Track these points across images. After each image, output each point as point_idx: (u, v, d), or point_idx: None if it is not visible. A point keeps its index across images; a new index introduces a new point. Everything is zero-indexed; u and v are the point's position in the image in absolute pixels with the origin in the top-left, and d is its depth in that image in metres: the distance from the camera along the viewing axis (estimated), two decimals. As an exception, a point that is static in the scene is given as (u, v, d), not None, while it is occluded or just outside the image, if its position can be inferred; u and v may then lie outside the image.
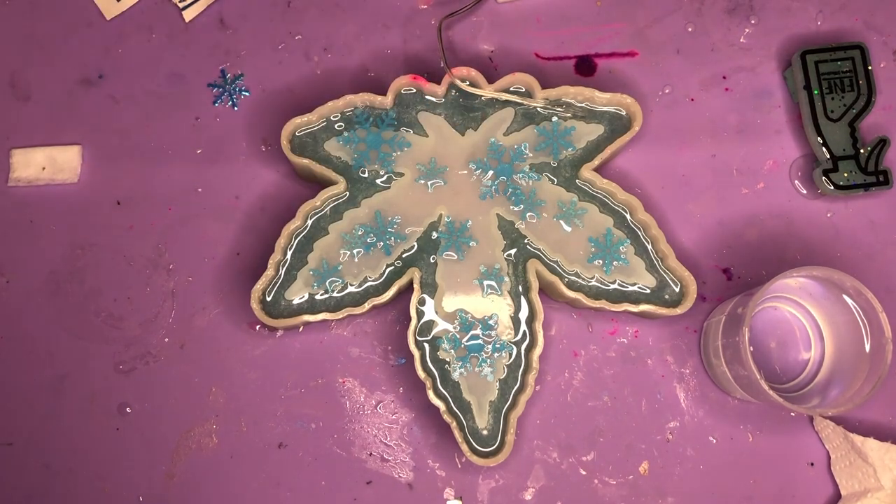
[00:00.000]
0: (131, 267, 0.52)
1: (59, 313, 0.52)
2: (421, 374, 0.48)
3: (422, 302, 0.49)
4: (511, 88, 0.51)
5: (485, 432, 0.48)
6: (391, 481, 0.50)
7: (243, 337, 0.51)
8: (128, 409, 0.51)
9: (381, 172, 0.50)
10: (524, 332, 0.48)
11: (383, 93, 0.51)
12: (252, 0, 0.55)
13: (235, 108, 0.54)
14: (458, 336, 0.48)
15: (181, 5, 0.55)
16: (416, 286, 0.49)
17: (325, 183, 0.50)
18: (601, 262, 0.49)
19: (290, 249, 0.49)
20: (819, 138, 0.51)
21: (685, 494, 0.50)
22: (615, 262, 0.49)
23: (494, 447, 0.47)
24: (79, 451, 0.50)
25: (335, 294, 0.49)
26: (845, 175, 0.51)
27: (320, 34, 0.55)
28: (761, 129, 0.54)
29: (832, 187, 0.51)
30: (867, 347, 0.46)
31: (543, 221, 0.50)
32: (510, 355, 0.48)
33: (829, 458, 0.50)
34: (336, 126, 0.51)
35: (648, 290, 0.49)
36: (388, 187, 0.50)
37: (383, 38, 0.55)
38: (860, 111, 0.52)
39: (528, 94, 0.51)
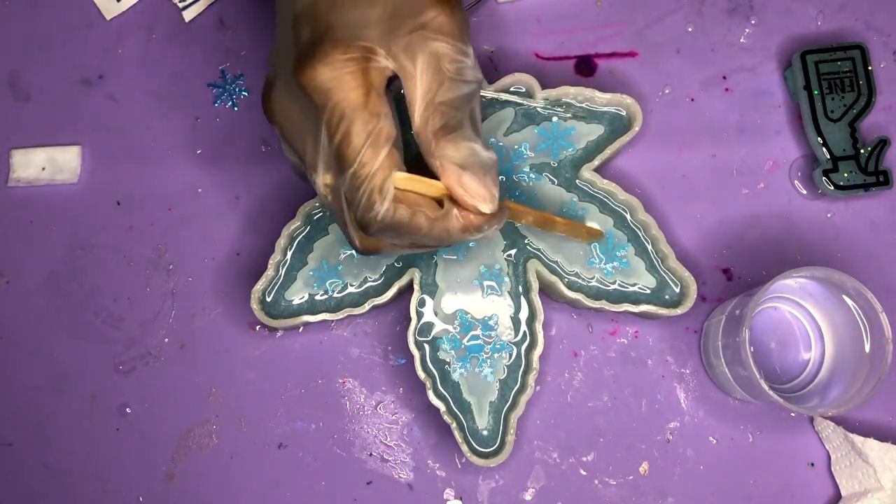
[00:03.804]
0: (131, 267, 0.52)
1: (59, 313, 0.52)
2: (421, 374, 0.48)
3: (422, 303, 0.49)
4: (511, 88, 0.51)
5: (485, 433, 0.48)
6: (391, 482, 0.50)
7: (243, 337, 0.51)
8: (128, 409, 0.51)
9: (381, 173, 0.50)
10: (524, 332, 0.48)
11: (383, 93, 0.51)
12: (252, 0, 0.55)
13: (235, 109, 0.54)
14: (458, 336, 0.48)
15: (181, 5, 0.55)
16: (416, 287, 0.49)
17: (325, 183, 0.50)
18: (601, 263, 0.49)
19: (290, 250, 0.49)
20: (819, 138, 0.51)
21: (685, 495, 0.50)
22: (614, 264, 0.49)
23: (494, 448, 0.47)
24: (79, 451, 0.50)
25: (335, 294, 0.49)
26: (845, 175, 0.51)
27: (320, 34, 0.55)
28: (761, 129, 0.54)
29: (832, 187, 0.51)
30: (867, 348, 0.46)
31: (543, 222, 0.50)
32: (510, 356, 0.48)
33: (829, 458, 0.50)
34: (336, 126, 0.51)
35: (648, 291, 0.49)
36: (388, 187, 0.50)
37: (383, 38, 0.55)
38: (860, 111, 0.52)
39: (528, 95, 0.51)
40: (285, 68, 0.39)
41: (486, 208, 0.39)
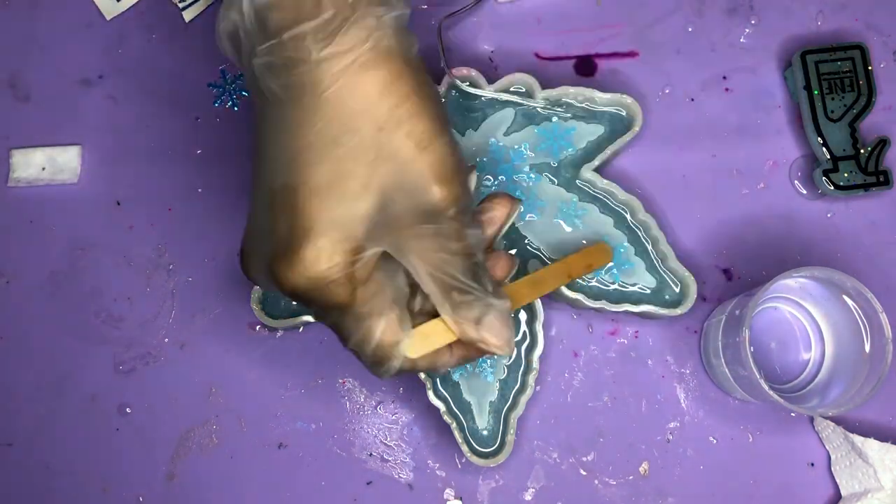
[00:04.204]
0: (131, 267, 0.52)
1: (59, 313, 0.52)
2: (421, 374, 0.48)
3: (422, 302, 0.48)
4: (511, 88, 0.51)
5: (485, 433, 0.48)
6: (391, 482, 0.50)
7: (243, 337, 0.51)
8: (128, 409, 0.51)
9: (381, 173, 0.50)
10: (524, 332, 0.48)
11: (383, 93, 0.51)
12: (252, 0, 0.55)
13: (235, 109, 0.54)
14: (458, 336, 0.48)
15: (181, 5, 0.55)
16: (416, 286, 0.49)
17: (325, 183, 0.50)
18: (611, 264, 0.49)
19: (290, 250, 0.49)
20: (819, 138, 0.51)
21: (685, 495, 0.50)
22: (624, 267, 0.49)
23: (494, 448, 0.47)
24: (79, 451, 0.50)
25: (335, 294, 0.49)
26: (845, 175, 0.51)
27: (320, 34, 0.55)
28: (761, 129, 0.54)
29: (832, 187, 0.51)
30: (867, 348, 0.46)
31: (543, 222, 0.50)
32: (510, 356, 0.48)
33: (829, 458, 0.50)
34: (336, 126, 0.51)
35: (649, 291, 0.49)
36: (388, 187, 0.50)
37: (383, 38, 0.55)
38: (860, 111, 0.52)
39: (528, 95, 0.51)
40: (261, 255, 0.37)
41: (505, 353, 0.39)
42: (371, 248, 0.36)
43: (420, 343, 0.39)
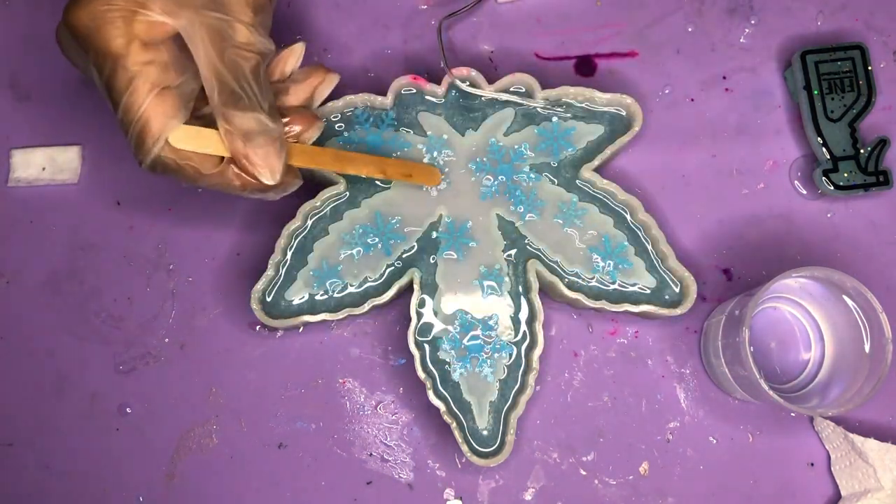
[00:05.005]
0: (131, 267, 0.52)
1: (59, 313, 0.52)
2: (421, 374, 0.48)
3: (422, 303, 0.49)
4: (511, 88, 0.51)
5: (485, 432, 0.48)
6: (391, 481, 0.50)
7: (243, 337, 0.51)
8: (128, 409, 0.51)
9: (381, 173, 0.50)
10: (524, 332, 0.48)
11: (383, 93, 0.51)
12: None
13: (235, 108, 0.54)
14: (458, 336, 0.48)
15: (181, 5, 0.55)
16: (416, 287, 0.49)
17: (326, 183, 0.50)
18: (610, 264, 0.49)
19: (290, 250, 0.49)
20: (819, 138, 0.51)
21: (685, 495, 0.50)
22: (621, 266, 0.49)
23: (494, 447, 0.47)
24: (78, 451, 0.50)
25: (335, 294, 0.49)
26: (845, 175, 0.51)
27: (320, 34, 0.55)
28: (761, 129, 0.54)
29: (832, 187, 0.51)
30: (867, 348, 0.46)
31: (544, 222, 0.50)
32: (510, 356, 0.48)
33: (829, 458, 0.50)
34: (336, 126, 0.51)
35: (648, 291, 0.49)
36: (389, 187, 0.50)
37: (383, 38, 0.55)
38: (860, 111, 0.52)
39: (528, 95, 0.51)
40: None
41: (268, 180, 0.42)
42: (157, 14, 0.39)
43: (187, 138, 0.41)
